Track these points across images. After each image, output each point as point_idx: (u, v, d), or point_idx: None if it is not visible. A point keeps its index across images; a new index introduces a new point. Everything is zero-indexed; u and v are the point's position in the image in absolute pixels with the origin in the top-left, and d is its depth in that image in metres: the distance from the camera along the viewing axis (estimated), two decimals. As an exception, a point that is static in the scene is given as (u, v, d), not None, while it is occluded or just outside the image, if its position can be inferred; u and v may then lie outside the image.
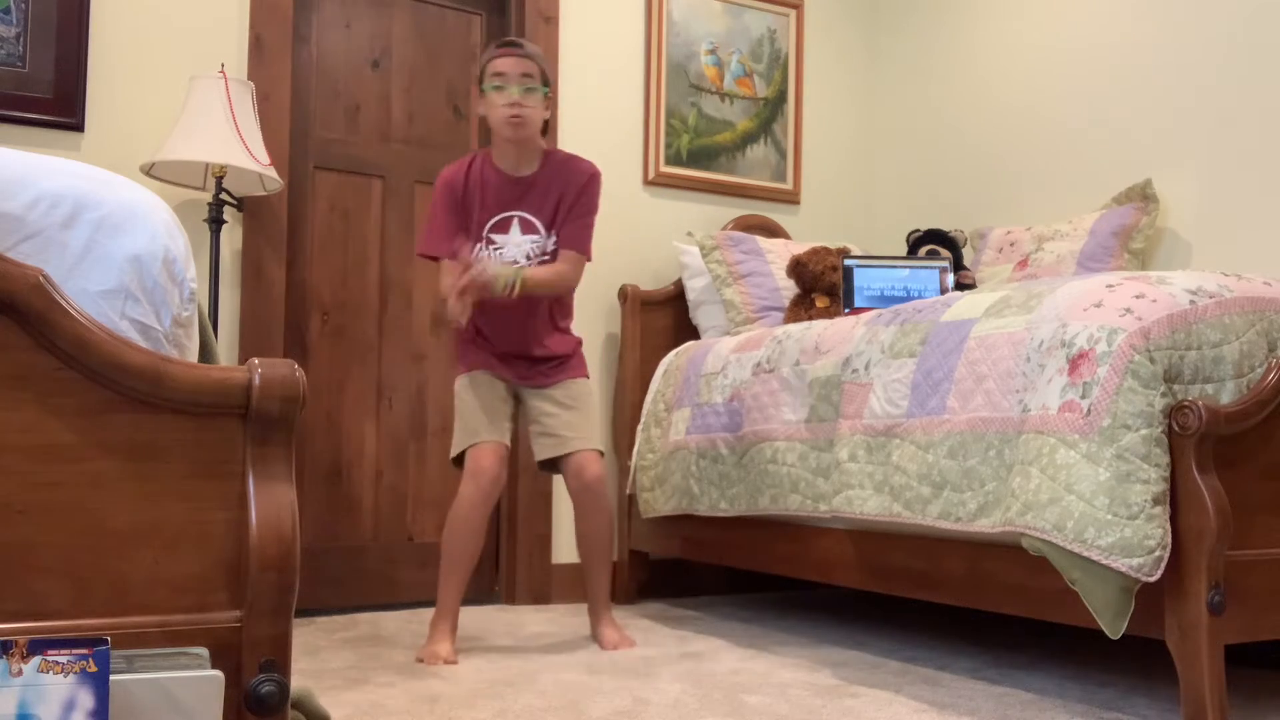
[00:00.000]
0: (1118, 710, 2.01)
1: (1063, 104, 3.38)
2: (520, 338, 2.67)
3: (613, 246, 3.52)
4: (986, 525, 1.99)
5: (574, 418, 2.67)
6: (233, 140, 2.69)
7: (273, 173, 2.79)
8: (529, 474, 3.24)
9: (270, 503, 1.15)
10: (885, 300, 3.02)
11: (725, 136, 3.82)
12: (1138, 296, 1.87)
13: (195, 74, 2.82)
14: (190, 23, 2.95)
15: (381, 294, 3.30)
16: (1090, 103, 3.29)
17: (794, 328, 2.76)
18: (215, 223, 2.79)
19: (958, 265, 3.22)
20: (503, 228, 2.63)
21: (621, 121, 3.63)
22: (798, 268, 3.26)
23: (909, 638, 2.79)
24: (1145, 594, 1.76)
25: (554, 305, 2.71)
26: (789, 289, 3.36)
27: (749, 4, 3.89)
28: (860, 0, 4.16)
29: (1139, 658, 2.52)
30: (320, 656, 2.49)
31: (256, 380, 1.16)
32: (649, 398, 3.32)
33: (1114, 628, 1.74)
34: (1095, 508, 1.74)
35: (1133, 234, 2.96)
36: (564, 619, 3.05)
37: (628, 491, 3.35)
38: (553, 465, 2.72)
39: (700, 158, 3.75)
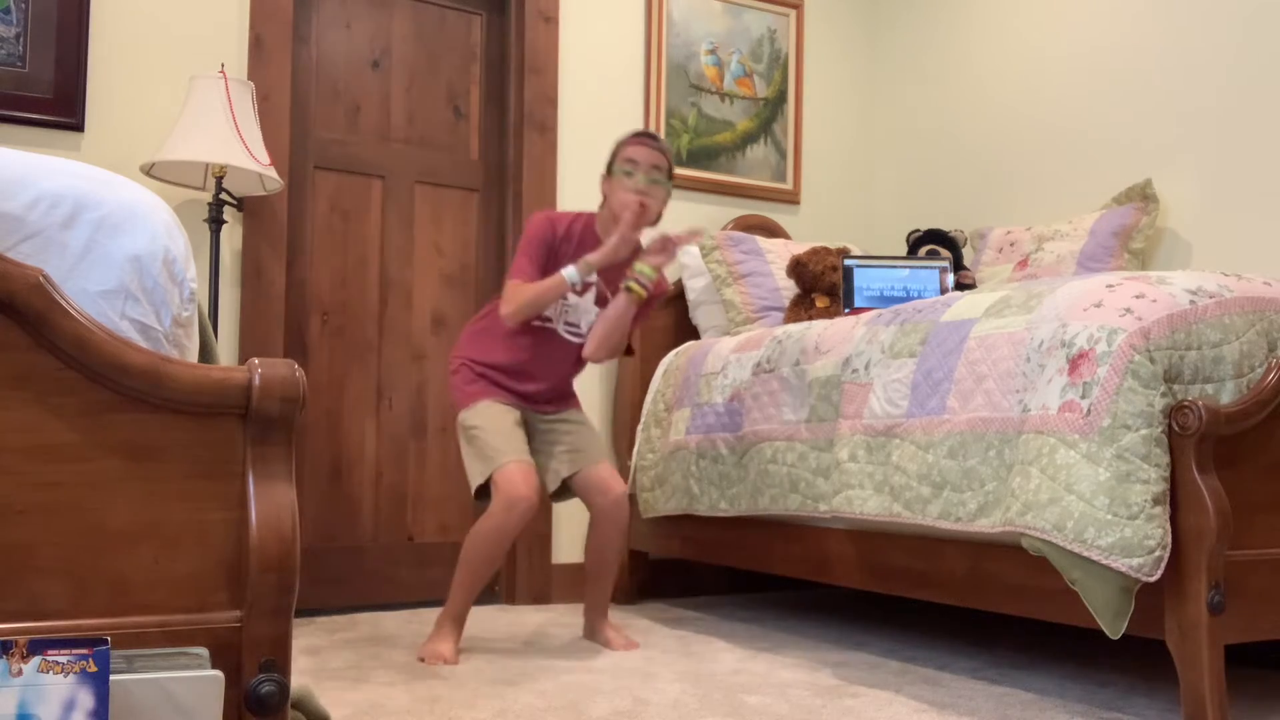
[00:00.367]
0: (1118, 710, 2.01)
1: (1063, 104, 3.38)
2: (557, 375, 2.73)
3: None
4: (986, 525, 1.99)
5: (590, 434, 2.73)
6: (233, 140, 2.69)
7: (273, 173, 2.79)
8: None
9: (270, 503, 1.15)
10: (885, 300, 3.02)
11: (725, 136, 3.82)
12: (1138, 296, 1.87)
13: (195, 74, 2.82)
14: (190, 23, 2.95)
15: (381, 294, 3.30)
16: (1090, 103, 3.29)
17: (794, 328, 2.76)
18: (215, 223, 2.79)
19: (958, 265, 3.22)
20: (583, 290, 2.67)
21: (621, 121, 3.63)
22: (798, 268, 3.26)
23: (909, 638, 2.79)
24: (1145, 594, 1.76)
25: (576, 374, 2.79)
26: (789, 289, 3.36)
27: (749, 4, 3.89)
28: (860, 0, 4.16)
29: (1139, 658, 2.52)
30: (320, 656, 2.49)
31: (256, 380, 1.16)
32: (649, 398, 3.32)
33: (1114, 628, 1.74)
34: (1095, 508, 1.74)
35: (1133, 234, 2.96)
36: (564, 619, 3.05)
37: (628, 491, 3.34)
38: (563, 492, 2.72)
39: (700, 158, 3.75)
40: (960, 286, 3.09)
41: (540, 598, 3.34)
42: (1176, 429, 1.77)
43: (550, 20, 3.48)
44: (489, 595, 3.41)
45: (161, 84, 2.90)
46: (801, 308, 3.25)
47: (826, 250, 3.28)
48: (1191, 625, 1.73)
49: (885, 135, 4.10)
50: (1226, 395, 1.84)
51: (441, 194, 3.40)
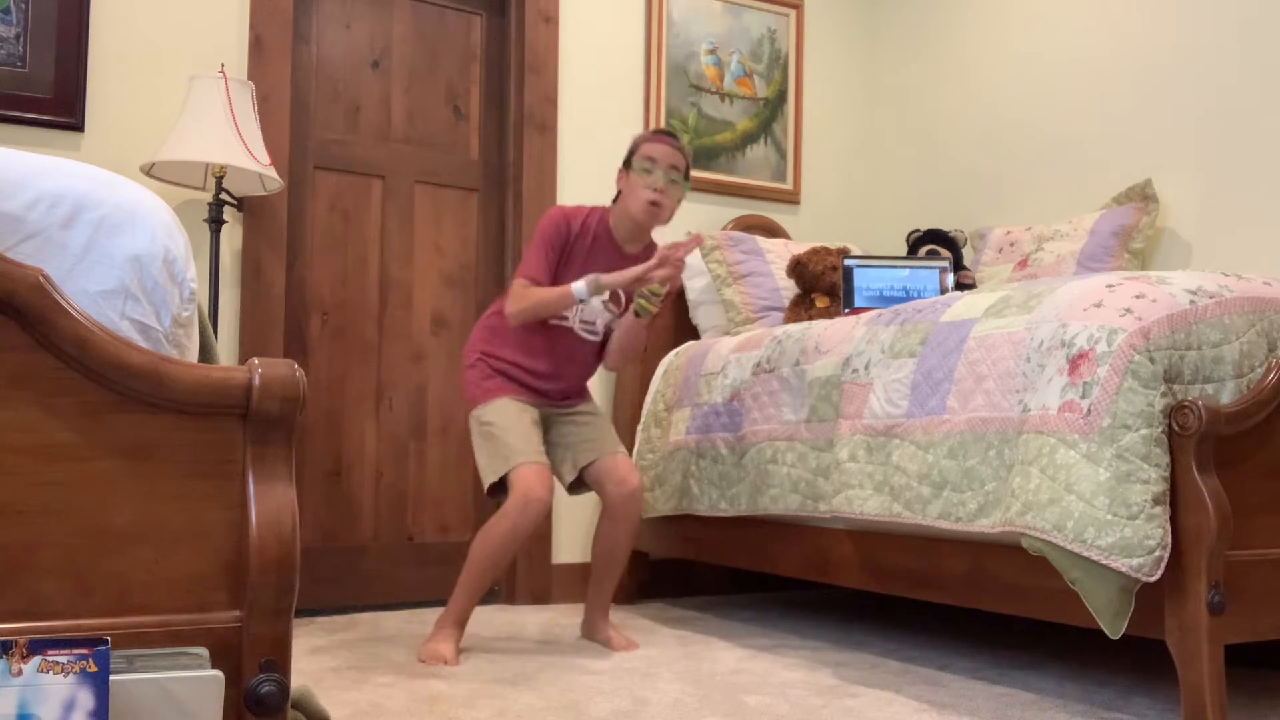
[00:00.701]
0: (1118, 710, 2.01)
1: (1063, 104, 3.38)
2: (575, 374, 2.74)
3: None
4: (986, 525, 1.99)
5: (605, 425, 2.74)
6: (233, 140, 2.69)
7: (273, 173, 2.79)
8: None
9: (270, 503, 1.15)
10: (885, 300, 3.02)
11: (725, 136, 3.82)
12: (1138, 296, 1.87)
13: (195, 74, 2.82)
14: (190, 23, 2.95)
15: (381, 294, 3.30)
16: (1090, 103, 3.29)
17: (794, 328, 2.77)
18: (215, 223, 2.79)
19: (958, 265, 3.22)
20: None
21: (621, 121, 3.63)
22: (798, 268, 3.26)
23: (909, 638, 2.79)
24: (1145, 594, 1.76)
25: (591, 373, 2.81)
26: (789, 289, 3.36)
27: (749, 4, 3.89)
28: (860, 0, 4.17)
29: (1139, 658, 2.52)
30: (320, 656, 2.49)
31: (256, 380, 1.16)
32: (649, 398, 3.32)
33: (1114, 628, 1.74)
34: (1095, 508, 1.74)
35: (1133, 234, 2.96)
36: (564, 619, 3.05)
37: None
38: (579, 484, 2.73)
39: (700, 158, 3.75)
40: (960, 286, 3.09)
41: (540, 598, 3.34)
42: (1176, 429, 1.77)
43: (550, 20, 3.48)
44: (489, 595, 3.41)
45: (161, 84, 2.90)
46: (801, 308, 3.25)
47: (826, 250, 3.28)
48: (1191, 625, 1.73)
49: (885, 135, 4.10)
50: (1226, 395, 1.84)
51: (441, 194, 3.40)
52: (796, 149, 3.95)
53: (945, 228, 3.64)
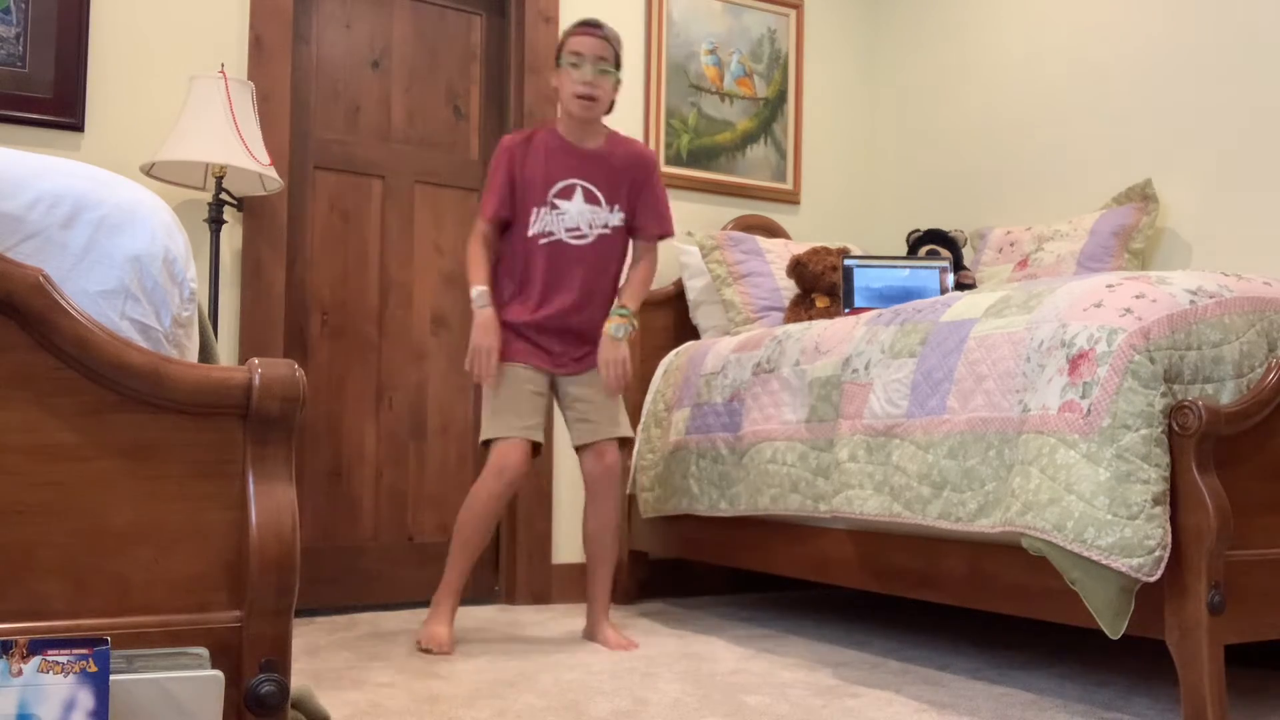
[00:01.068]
0: (1118, 710, 2.01)
1: (1063, 104, 3.38)
2: (584, 290, 2.71)
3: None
4: (986, 525, 1.99)
5: (611, 408, 2.73)
6: (233, 140, 2.69)
7: (273, 173, 2.79)
8: (530, 475, 3.24)
9: (270, 503, 1.15)
10: (885, 300, 3.02)
11: (725, 136, 3.82)
12: (1138, 296, 1.87)
13: (195, 74, 2.82)
14: (190, 23, 2.95)
15: (381, 294, 3.30)
16: (1090, 103, 3.29)
17: (794, 328, 2.77)
18: (215, 223, 2.79)
19: (958, 265, 3.22)
20: (567, 194, 2.70)
21: (622, 121, 3.62)
22: (798, 268, 3.26)
23: (909, 638, 2.79)
24: (1145, 594, 1.76)
25: (610, 298, 2.78)
26: (789, 289, 3.36)
27: (749, 4, 3.89)
28: (860, 1, 4.17)
29: (1139, 658, 2.52)
30: (320, 656, 2.49)
31: (256, 380, 1.16)
32: (649, 398, 3.32)
33: (1114, 628, 1.74)
34: (1095, 508, 1.74)
35: (1133, 234, 2.96)
36: (564, 619, 3.05)
37: (628, 491, 3.35)
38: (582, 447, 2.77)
39: (700, 158, 3.75)
40: (960, 286, 3.09)
41: (540, 598, 3.34)
42: (1176, 429, 1.77)
43: (550, 20, 3.48)
44: (489, 595, 3.41)
45: (161, 84, 2.90)
46: (801, 308, 3.25)
47: (826, 250, 3.28)
48: (1191, 625, 1.73)
49: (885, 135, 4.10)
50: (1226, 395, 1.84)
51: (441, 194, 3.40)
52: (796, 149, 3.95)
53: (945, 228, 3.64)
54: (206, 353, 1.52)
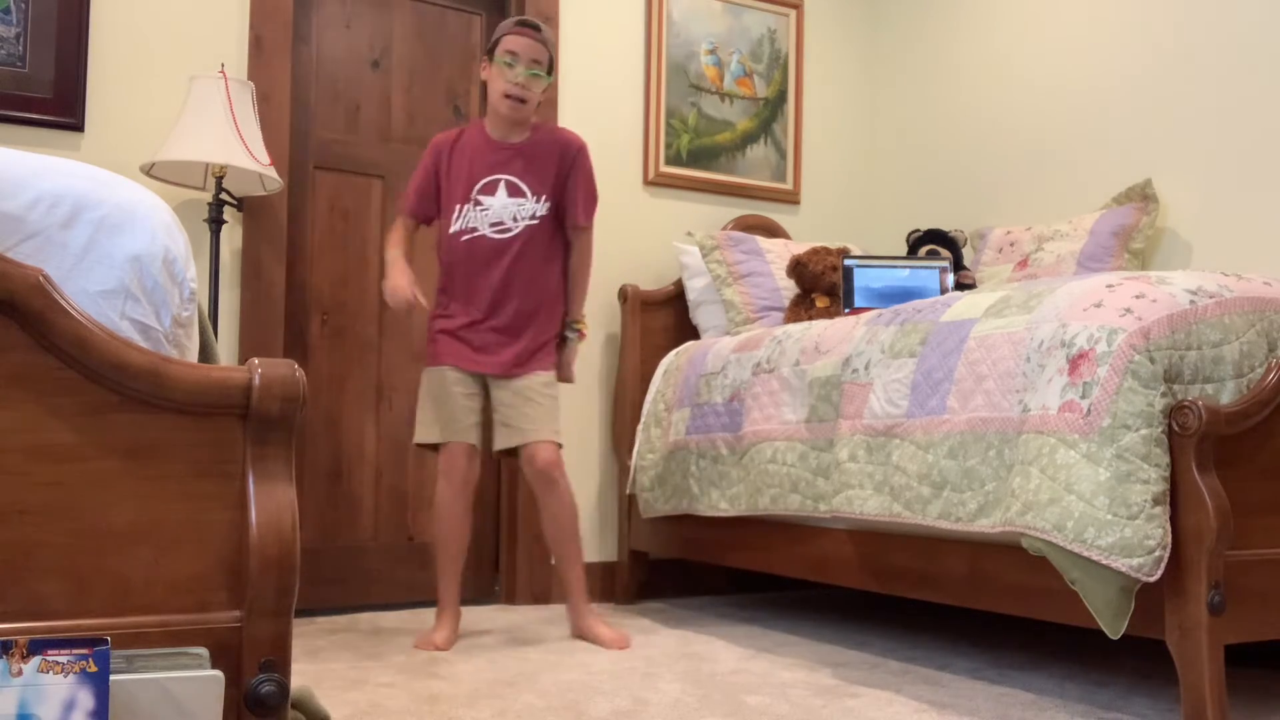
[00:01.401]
0: (1118, 710, 2.01)
1: (1063, 104, 3.38)
2: (512, 288, 2.71)
3: (613, 246, 3.52)
4: (986, 525, 1.99)
5: (534, 410, 2.69)
6: (233, 140, 2.69)
7: (273, 173, 2.79)
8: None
9: (270, 503, 1.15)
10: (885, 300, 3.02)
11: (725, 136, 3.81)
12: (1138, 296, 1.87)
13: (195, 74, 2.82)
14: (190, 23, 2.95)
15: (381, 294, 3.29)
16: (1090, 103, 3.29)
17: (794, 328, 2.77)
18: (215, 223, 2.79)
19: (958, 265, 3.22)
20: (490, 190, 2.72)
21: (621, 121, 3.63)
22: (798, 268, 3.26)
23: (909, 638, 2.79)
24: (1145, 594, 1.76)
25: (543, 294, 2.75)
26: (789, 289, 3.36)
27: (749, 4, 3.89)
28: (860, 1, 4.17)
29: (1139, 658, 2.52)
30: (320, 656, 2.49)
31: (256, 380, 1.16)
32: (649, 398, 3.32)
33: (1114, 628, 1.74)
34: (1095, 508, 1.74)
35: (1133, 234, 2.96)
36: (564, 619, 3.04)
37: (628, 491, 3.35)
38: (513, 454, 2.77)
39: (700, 158, 3.75)
40: (960, 286, 3.09)
41: (540, 598, 3.34)
42: (1176, 429, 1.77)
43: (550, 20, 3.48)
44: (489, 595, 3.41)
45: (161, 84, 2.90)
46: (801, 308, 3.25)
47: (826, 250, 3.28)
48: (1191, 625, 1.73)
49: (885, 135, 4.10)
50: (1226, 395, 1.84)
51: (441, 194, 3.40)
52: (796, 149, 3.95)
53: (945, 228, 3.64)
54: (206, 353, 1.52)
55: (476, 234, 2.70)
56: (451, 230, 2.72)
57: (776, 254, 3.46)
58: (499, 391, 2.71)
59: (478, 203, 2.71)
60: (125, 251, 1.21)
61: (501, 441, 2.71)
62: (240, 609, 1.14)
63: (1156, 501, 1.73)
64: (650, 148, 3.65)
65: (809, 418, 2.53)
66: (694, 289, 3.51)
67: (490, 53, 2.70)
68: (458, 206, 2.72)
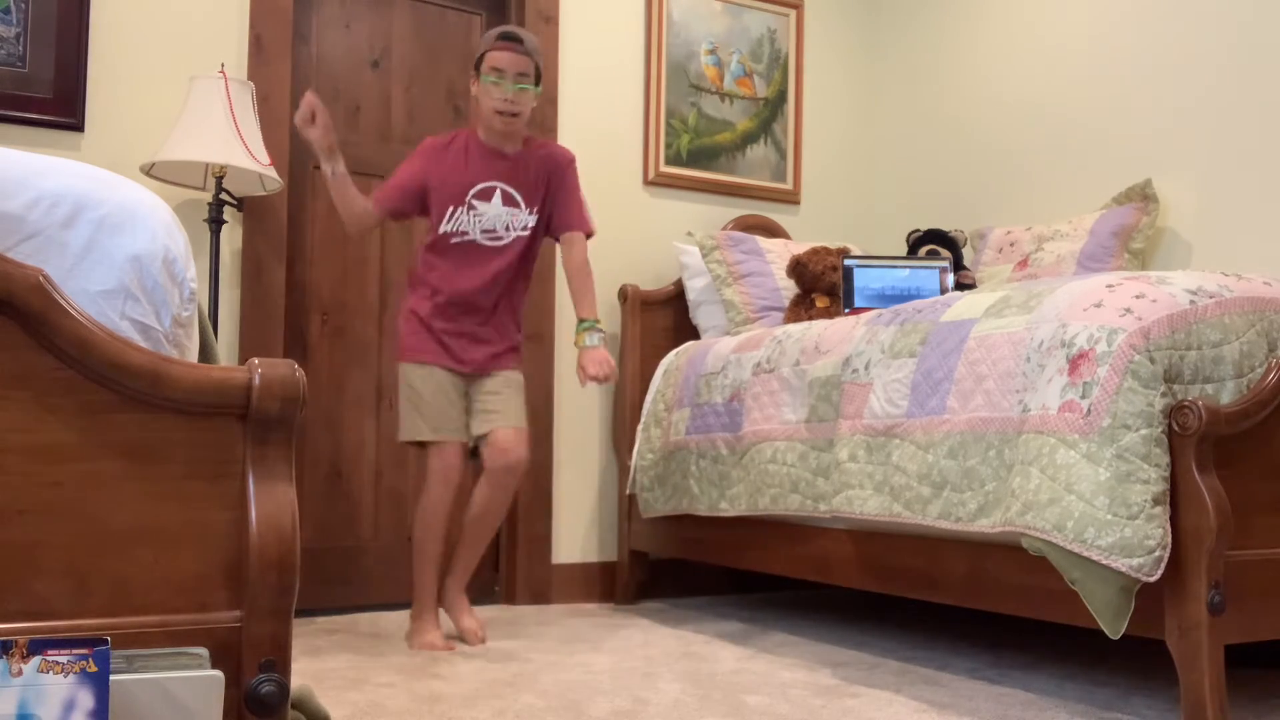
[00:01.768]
0: (1117, 710, 2.01)
1: (1062, 104, 3.38)
2: (495, 294, 2.75)
3: (613, 246, 3.52)
4: (986, 525, 1.99)
5: (506, 403, 2.74)
6: (233, 140, 2.69)
7: (273, 173, 2.79)
8: (530, 475, 3.24)
9: (270, 503, 1.15)
10: (885, 300, 3.02)
11: (725, 136, 3.81)
12: (1138, 296, 1.87)
13: (195, 74, 2.82)
14: (190, 23, 2.95)
15: (381, 294, 3.29)
16: (1090, 103, 3.29)
17: (794, 328, 2.77)
18: (215, 223, 2.79)
19: (958, 265, 3.22)
20: (485, 196, 2.74)
21: (621, 121, 3.63)
22: (798, 268, 3.26)
23: (909, 638, 2.79)
24: (1145, 594, 1.76)
25: (518, 304, 2.83)
26: (789, 289, 3.36)
27: (749, 4, 3.89)
28: (860, 0, 4.16)
29: (1139, 658, 2.52)
30: (320, 656, 2.49)
31: (256, 380, 1.16)
32: (649, 398, 3.32)
33: (1114, 628, 1.74)
34: (1095, 508, 1.74)
35: (1133, 234, 2.96)
36: (564, 619, 3.05)
37: (628, 491, 3.35)
38: (475, 454, 2.79)
39: (700, 158, 3.75)
40: (960, 286, 3.09)
41: (540, 598, 3.34)
42: (1176, 429, 1.77)
43: (550, 20, 3.48)
44: (489, 595, 3.41)
45: (161, 84, 2.90)
46: (801, 308, 3.25)
47: (826, 250, 3.28)
48: (1191, 625, 1.73)
49: (885, 135, 4.10)
50: (1226, 395, 1.84)
51: (441, 194, 3.40)
52: (796, 149, 3.95)
53: (945, 228, 3.63)
54: (206, 353, 1.52)
55: (467, 238, 2.73)
56: (441, 230, 2.73)
57: (776, 254, 3.46)
58: (478, 391, 2.75)
59: (472, 207, 2.72)
60: (125, 251, 1.22)
61: (479, 427, 2.73)
62: (240, 609, 1.14)
63: (1156, 501, 1.73)
64: (650, 148, 3.65)
65: (809, 418, 2.53)
66: (694, 289, 3.51)
67: (476, 69, 2.71)
68: (450, 208, 2.73)
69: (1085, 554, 1.74)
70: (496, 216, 2.72)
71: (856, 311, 2.98)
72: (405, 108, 3.36)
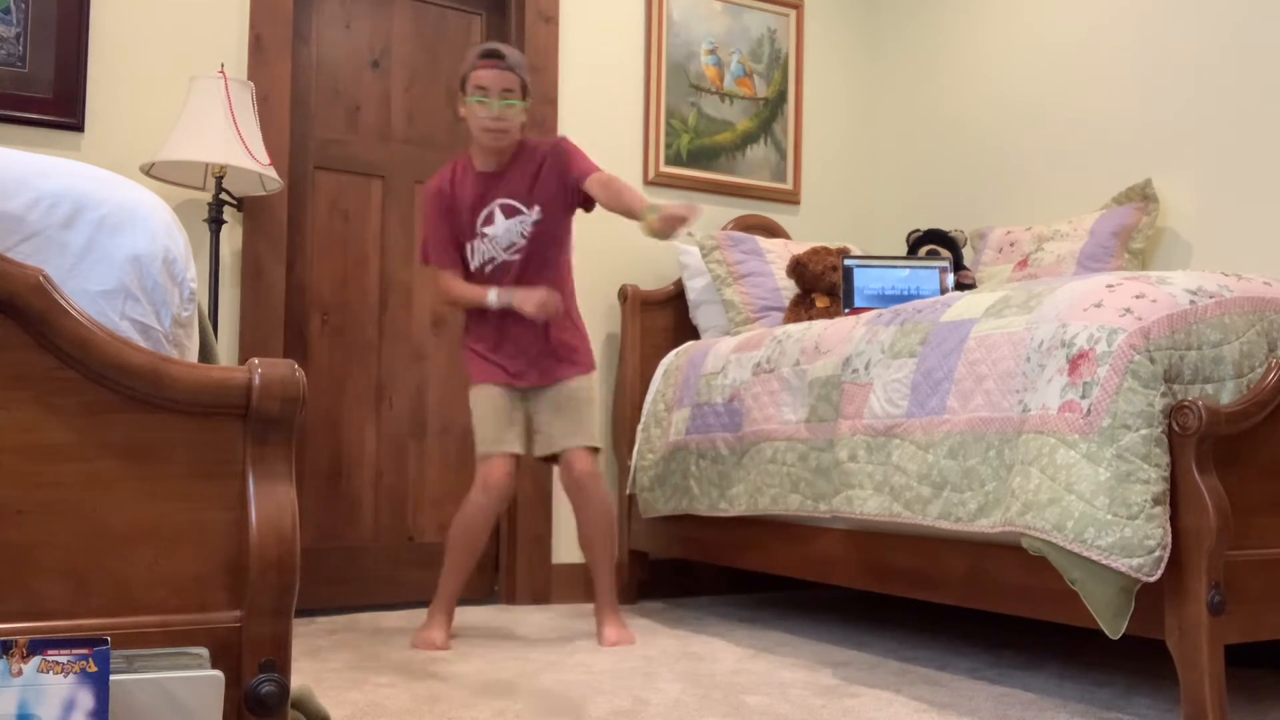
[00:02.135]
0: (1118, 710, 2.01)
1: (1062, 104, 3.38)
2: (543, 342, 2.77)
3: (613, 246, 3.52)
4: (986, 525, 1.99)
5: (568, 420, 2.76)
6: (233, 140, 2.69)
7: (273, 173, 2.79)
8: (529, 475, 3.24)
9: (270, 503, 1.15)
10: (885, 300, 3.02)
11: (725, 136, 3.81)
12: (1138, 296, 1.87)
13: (195, 74, 2.82)
14: (190, 23, 2.95)
15: (381, 294, 3.30)
16: (1090, 103, 3.29)
17: (794, 328, 2.77)
18: (215, 223, 2.79)
19: (958, 265, 3.22)
20: (489, 220, 2.76)
21: (621, 121, 3.63)
22: (798, 268, 3.26)
23: (909, 638, 2.79)
24: (1145, 594, 1.76)
25: (568, 300, 2.82)
26: (789, 289, 3.36)
27: (749, 4, 3.89)
28: (860, 0, 4.16)
29: (1139, 658, 2.52)
30: (320, 656, 2.49)
31: (256, 380, 1.16)
32: (649, 398, 3.32)
33: (1114, 628, 1.74)
34: (1095, 508, 1.74)
35: (1133, 234, 2.96)
36: (564, 619, 3.05)
37: (628, 491, 3.35)
38: (554, 459, 2.81)
39: (700, 158, 3.75)
40: (960, 286, 3.09)
41: (540, 598, 3.34)
42: (1176, 429, 1.77)
43: (550, 20, 3.48)
44: (489, 595, 3.41)
45: (161, 84, 2.90)
46: (801, 308, 3.25)
47: (826, 250, 3.28)
48: (1191, 625, 1.73)
49: (885, 135, 4.10)
50: (1226, 395, 1.84)
51: (441, 194, 3.40)
52: (796, 149, 3.95)
53: (945, 228, 3.64)
54: (206, 353, 1.52)
55: (495, 261, 2.76)
56: (474, 268, 2.77)
57: (776, 254, 3.46)
58: (537, 403, 2.77)
59: (484, 235, 2.75)
60: (125, 251, 1.22)
61: (540, 449, 2.77)
62: (240, 609, 1.14)
63: (1156, 501, 1.73)
64: (650, 148, 3.65)
65: (809, 418, 2.53)
66: (694, 289, 3.51)
67: (462, 89, 2.73)
68: (468, 245, 2.76)
69: (1085, 554, 1.74)
70: (507, 231, 2.74)
71: (856, 311, 2.98)
72: (405, 108, 3.36)
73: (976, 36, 3.71)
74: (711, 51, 3.80)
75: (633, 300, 3.49)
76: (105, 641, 0.98)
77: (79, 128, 2.79)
